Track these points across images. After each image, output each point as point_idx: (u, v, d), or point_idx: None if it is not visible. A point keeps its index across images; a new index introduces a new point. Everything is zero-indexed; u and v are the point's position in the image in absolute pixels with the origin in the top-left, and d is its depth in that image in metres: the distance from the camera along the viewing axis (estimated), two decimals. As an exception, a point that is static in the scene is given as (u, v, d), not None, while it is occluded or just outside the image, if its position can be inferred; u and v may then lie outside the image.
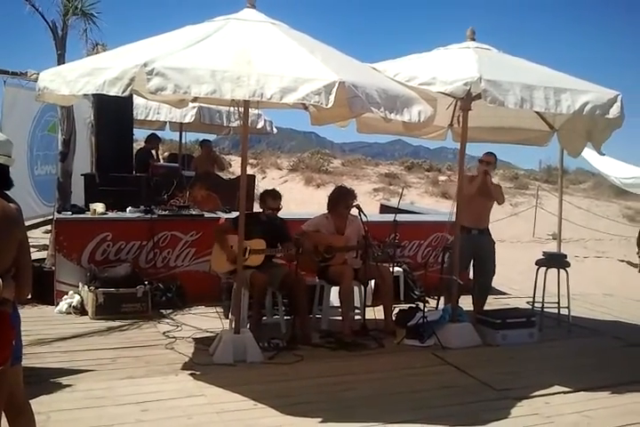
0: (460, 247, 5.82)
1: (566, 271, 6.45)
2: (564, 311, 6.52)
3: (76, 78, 4.37)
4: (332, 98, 4.11)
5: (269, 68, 4.26)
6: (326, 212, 6.16)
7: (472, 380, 4.84)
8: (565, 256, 6.80)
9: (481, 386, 4.72)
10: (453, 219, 5.83)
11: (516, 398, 4.46)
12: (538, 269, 6.51)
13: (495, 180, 23.74)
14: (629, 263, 12.47)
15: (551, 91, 5.10)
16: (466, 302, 6.23)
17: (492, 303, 7.39)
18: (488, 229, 6.31)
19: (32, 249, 2.81)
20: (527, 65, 5.86)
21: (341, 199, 6.05)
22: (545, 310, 6.50)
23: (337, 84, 4.14)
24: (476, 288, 6.33)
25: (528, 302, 6.67)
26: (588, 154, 8.89)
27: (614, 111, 5.18)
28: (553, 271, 6.50)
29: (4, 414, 2.82)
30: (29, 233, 3.07)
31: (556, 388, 4.69)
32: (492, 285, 8.40)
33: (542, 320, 6.34)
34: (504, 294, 8.25)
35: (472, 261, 6.30)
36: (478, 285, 6.32)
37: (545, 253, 6.79)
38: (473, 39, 5.87)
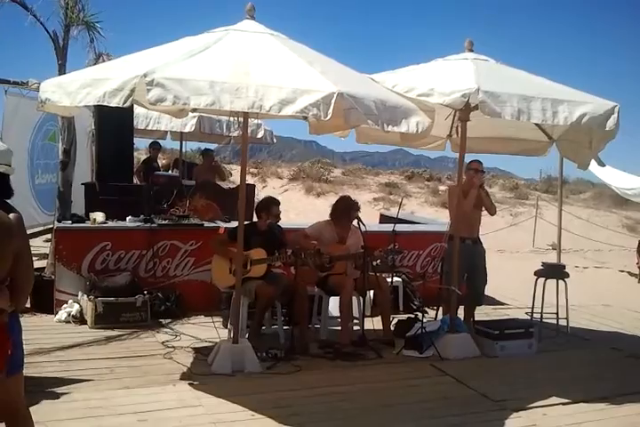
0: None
1: (565, 282, 6.46)
2: (562, 322, 6.52)
3: (77, 89, 4.41)
4: (330, 110, 4.13)
5: (268, 79, 4.29)
6: (329, 218, 6.17)
7: (470, 391, 4.83)
8: (564, 267, 6.81)
9: (479, 397, 4.71)
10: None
11: (514, 410, 4.45)
12: (537, 280, 6.51)
13: (495, 189, 23.58)
14: (629, 274, 12.46)
15: (548, 102, 5.12)
16: (461, 313, 6.18)
17: (490, 314, 7.40)
18: (479, 238, 6.27)
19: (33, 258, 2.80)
20: (525, 76, 5.88)
21: (346, 212, 6.03)
22: (544, 320, 6.49)
23: (335, 96, 4.16)
24: (470, 297, 6.25)
25: (527, 313, 6.66)
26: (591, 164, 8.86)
27: (611, 123, 5.21)
28: (552, 282, 6.49)
29: (3, 423, 2.82)
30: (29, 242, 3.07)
31: (555, 399, 4.68)
32: (492, 295, 8.42)
33: (541, 331, 6.33)
34: (503, 304, 8.25)
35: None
36: (473, 294, 6.25)
37: (544, 264, 6.80)
38: (471, 50, 5.89)
